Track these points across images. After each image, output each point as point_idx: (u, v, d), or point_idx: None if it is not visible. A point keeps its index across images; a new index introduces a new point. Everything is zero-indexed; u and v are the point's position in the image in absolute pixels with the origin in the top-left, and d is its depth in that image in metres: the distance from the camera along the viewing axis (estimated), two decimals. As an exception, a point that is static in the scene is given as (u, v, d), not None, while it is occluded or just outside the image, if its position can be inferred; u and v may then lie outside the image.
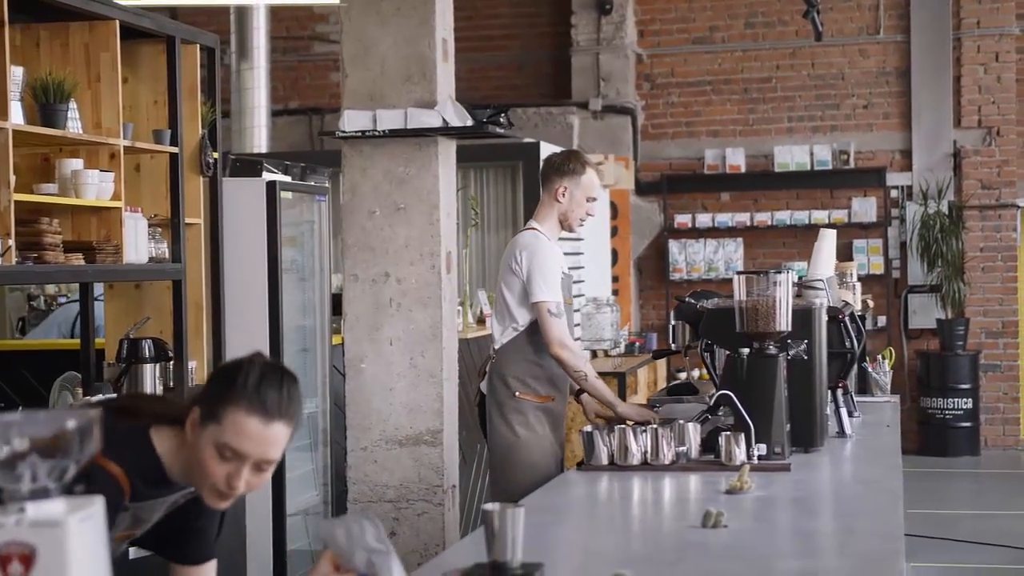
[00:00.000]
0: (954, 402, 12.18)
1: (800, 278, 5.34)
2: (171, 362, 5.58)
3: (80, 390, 5.40)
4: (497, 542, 2.67)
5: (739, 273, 4.41)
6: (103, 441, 2.49)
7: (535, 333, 5.16)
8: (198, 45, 5.92)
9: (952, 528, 9.10)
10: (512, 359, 5.19)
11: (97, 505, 1.76)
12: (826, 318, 4.69)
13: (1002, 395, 12.56)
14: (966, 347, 12.29)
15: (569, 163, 5.30)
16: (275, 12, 12.60)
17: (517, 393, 5.18)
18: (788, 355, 4.40)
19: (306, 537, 6.81)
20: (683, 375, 12.20)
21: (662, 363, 11.25)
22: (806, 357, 4.47)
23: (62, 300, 9.08)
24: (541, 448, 5.17)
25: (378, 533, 2.54)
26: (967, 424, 12.22)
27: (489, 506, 2.68)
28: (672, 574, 2.87)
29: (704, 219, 12.82)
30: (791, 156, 12.68)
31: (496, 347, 5.26)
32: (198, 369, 5.84)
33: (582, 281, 10.28)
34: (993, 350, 12.53)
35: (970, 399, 12.20)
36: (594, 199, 5.33)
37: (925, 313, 12.53)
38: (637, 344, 10.78)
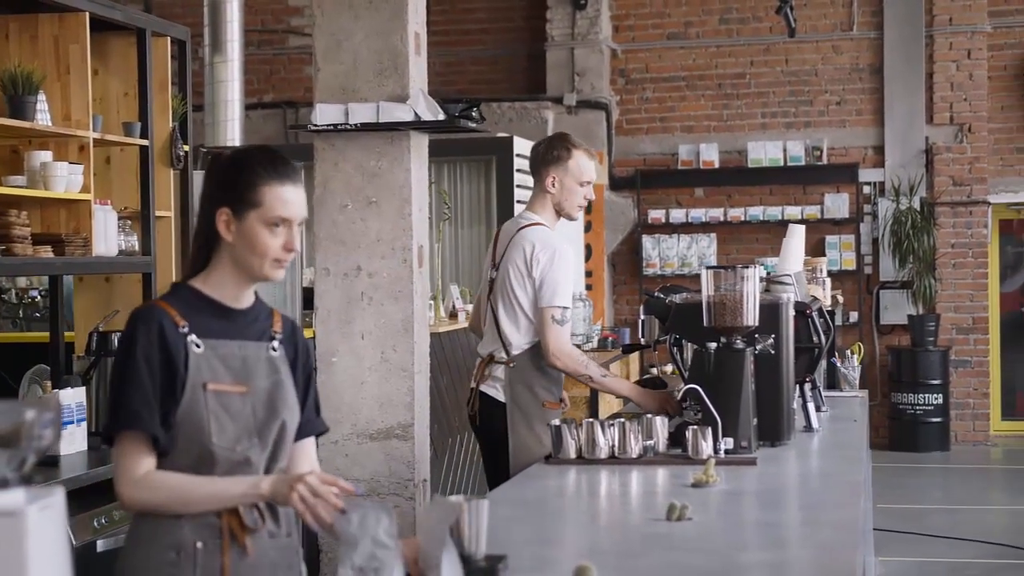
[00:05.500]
0: (924, 397, 12.25)
1: (768, 273, 5.36)
2: (141, 355, 5.56)
3: (49, 383, 5.38)
4: (461, 534, 2.69)
5: (707, 268, 4.42)
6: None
7: None
8: (169, 38, 5.91)
9: (922, 522, 9.15)
10: (536, 365, 4.99)
11: (56, 497, 1.77)
12: (793, 313, 4.72)
13: (972, 391, 12.63)
14: (937, 343, 12.36)
15: (553, 150, 5.07)
16: (250, 5, 12.56)
17: (545, 403, 5.01)
18: (755, 350, 4.42)
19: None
20: (655, 370, 12.23)
21: (635, 358, 11.27)
22: (773, 352, 4.49)
23: (34, 294, 9.04)
24: None
25: (390, 529, 2.57)
26: (937, 419, 12.29)
27: (453, 499, 2.69)
28: (635, 566, 2.89)
29: (678, 214, 12.86)
30: (764, 152, 12.73)
31: (513, 351, 5.02)
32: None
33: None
34: (964, 346, 12.61)
35: (940, 395, 12.28)
36: (588, 182, 5.08)
37: (896, 309, 12.60)
38: (611, 339, 10.79)
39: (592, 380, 4.94)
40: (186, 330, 2.81)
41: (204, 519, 2.79)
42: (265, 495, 2.77)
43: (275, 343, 2.94)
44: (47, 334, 5.78)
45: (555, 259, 4.94)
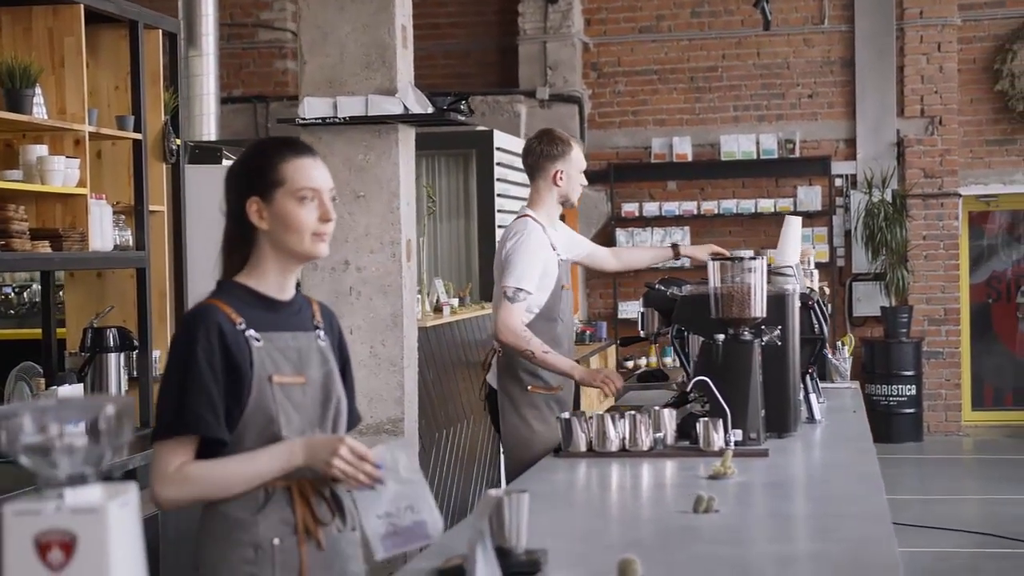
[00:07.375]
0: (898, 389, 12.32)
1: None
2: (135, 351, 5.51)
3: (42, 380, 5.31)
4: (502, 527, 2.68)
5: (714, 259, 4.41)
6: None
7: (540, 324, 5.10)
8: (160, 30, 5.84)
9: (898, 513, 9.17)
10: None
11: (132, 492, 1.75)
12: (799, 304, 4.72)
13: (945, 381, 12.71)
14: (909, 334, 12.43)
15: (557, 146, 5.27)
16: (219, -1, 12.47)
17: (529, 387, 5.14)
18: (763, 341, 4.42)
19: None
20: (630, 363, 12.26)
21: (612, 351, 11.29)
22: (780, 343, 4.49)
23: (8, 290, 8.94)
24: (556, 439, 5.09)
25: (409, 463, 2.57)
26: (910, 410, 12.37)
27: (494, 492, 2.67)
28: (673, 559, 2.88)
29: (651, 208, 12.87)
30: (737, 145, 12.75)
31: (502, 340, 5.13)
32: (162, 358, 5.76)
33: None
34: (936, 337, 12.69)
35: (913, 386, 12.35)
36: (584, 169, 5.39)
37: (869, 301, 12.66)
38: (588, 333, 10.81)
39: (534, 356, 5.04)
40: (243, 326, 2.79)
41: (278, 515, 2.76)
42: (301, 463, 2.74)
43: (321, 332, 2.92)
44: (24, 331, 5.71)
45: (519, 241, 5.09)
